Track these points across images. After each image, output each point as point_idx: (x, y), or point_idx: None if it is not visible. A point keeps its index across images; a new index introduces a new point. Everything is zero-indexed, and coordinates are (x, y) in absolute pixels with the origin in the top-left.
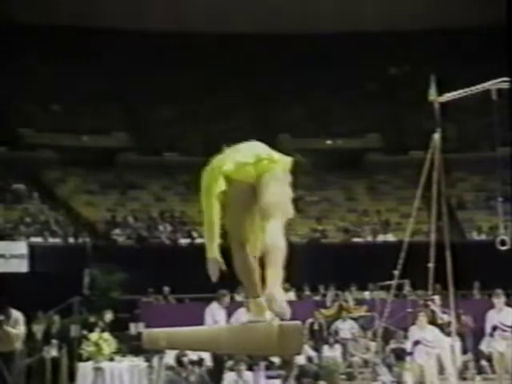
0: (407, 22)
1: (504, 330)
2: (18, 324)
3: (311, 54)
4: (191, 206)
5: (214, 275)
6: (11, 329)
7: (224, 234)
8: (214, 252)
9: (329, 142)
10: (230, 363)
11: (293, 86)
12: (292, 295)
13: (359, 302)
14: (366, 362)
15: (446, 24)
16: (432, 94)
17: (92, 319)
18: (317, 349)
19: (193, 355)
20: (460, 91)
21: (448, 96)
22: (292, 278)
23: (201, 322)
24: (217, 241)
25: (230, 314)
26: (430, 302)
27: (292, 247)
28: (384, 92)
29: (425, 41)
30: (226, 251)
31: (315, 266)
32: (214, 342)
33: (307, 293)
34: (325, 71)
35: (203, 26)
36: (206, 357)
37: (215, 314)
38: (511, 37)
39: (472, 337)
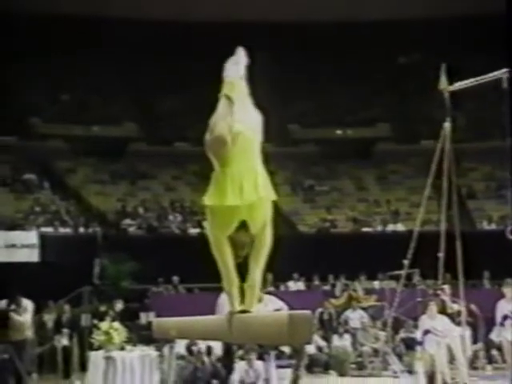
0: (416, 10)
1: None
2: (25, 312)
3: (319, 43)
4: (201, 196)
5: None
6: (18, 317)
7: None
8: (235, 308)
9: (338, 131)
10: (240, 352)
11: (302, 75)
12: (301, 285)
13: (369, 292)
14: (375, 352)
15: (456, 12)
16: (442, 82)
17: (102, 308)
18: (327, 338)
19: (202, 345)
20: (471, 80)
21: (458, 85)
22: (301, 268)
23: (211, 312)
24: (237, 293)
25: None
26: (439, 292)
27: (301, 237)
28: (394, 81)
29: (435, 29)
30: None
31: (325, 256)
32: (224, 331)
33: (316, 283)
34: (334, 61)
35: (214, 13)
36: (217, 346)
37: (226, 303)
38: (511, 28)
39: (483, 326)
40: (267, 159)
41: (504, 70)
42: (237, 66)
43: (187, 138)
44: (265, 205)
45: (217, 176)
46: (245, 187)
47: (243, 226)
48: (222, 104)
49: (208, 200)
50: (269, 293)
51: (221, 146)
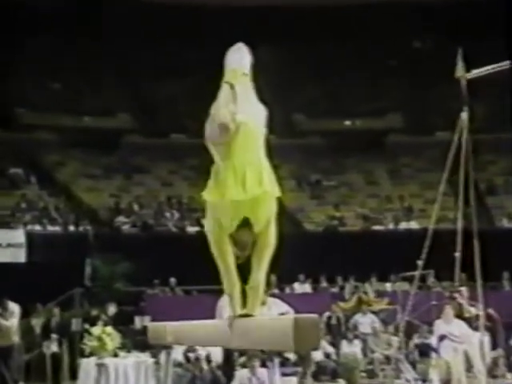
0: None
1: None
2: (12, 317)
3: (327, 27)
4: (200, 191)
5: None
6: (4, 321)
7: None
8: (236, 312)
9: (347, 122)
10: (242, 359)
11: (307, 61)
12: (308, 287)
13: (380, 295)
14: (387, 359)
15: None
16: (459, 69)
17: (94, 312)
18: (335, 344)
19: (202, 351)
20: (489, 67)
21: (476, 72)
22: (307, 269)
23: (210, 316)
24: (238, 295)
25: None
26: (456, 294)
27: (308, 236)
28: (407, 68)
29: (451, 12)
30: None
31: (332, 256)
32: (225, 336)
33: (324, 285)
34: (342, 45)
35: None
36: (217, 353)
37: (226, 307)
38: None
39: (502, 331)
40: (270, 152)
41: None
42: (239, 55)
43: (185, 129)
44: (269, 201)
45: (217, 169)
46: (248, 181)
47: (246, 223)
48: (223, 91)
49: (208, 195)
50: (273, 295)
51: (223, 134)
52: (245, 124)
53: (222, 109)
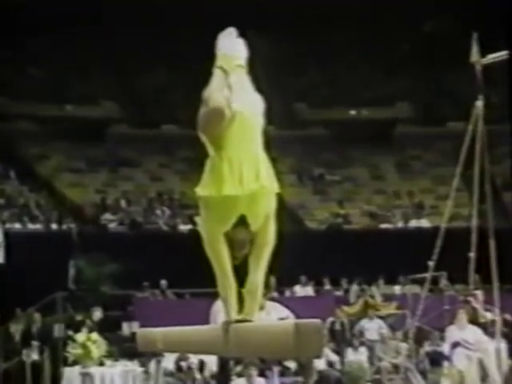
0: None
1: None
2: None
3: (329, 8)
4: (193, 186)
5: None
6: None
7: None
8: (232, 316)
9: (352, 111)
10: (238, 368)
11: (308, 45)
12: (310, 290)
13: (388, 298)
14: (396, 368)
15: None
16: (474, 54)
17: (78, 317)
18: (339, 352)
19: (195, 359)
20: (507, 51)
21: (492, 57)
22: (310, 270)
23: (204, 321)
24: (234, 299)
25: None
26: (470, 298)
27: (310, 234)
28: (416, 53)
29: None
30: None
31: (336, 257)
32: (220, 343)
33: (327, 287)
34: (346, 29)
35: None
36: (211, 361)
37: (221, 311)
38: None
39: None
40: (269, 144)
41: None
42: (230, 40)
43: (177, 119)
44: (268, 197)
45: (212, 162)
46: (245, 174)
47: (242, 221)
48: (216, 77)
49: (202, 190)
50: (272, 299)
51: (218, 120)
52: (240, 113)
53: (215, 93)
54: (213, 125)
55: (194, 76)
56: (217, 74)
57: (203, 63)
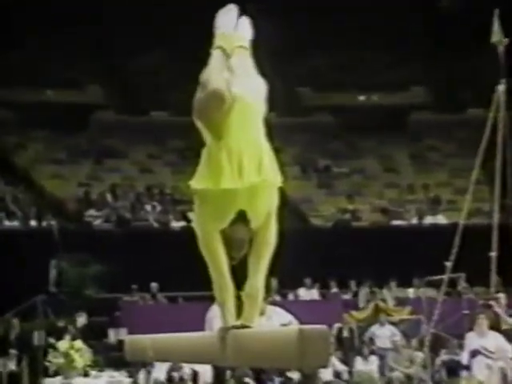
0: None
1: None
2: None
3: None
4: (186, 179)
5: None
6: None
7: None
8: (229, 322)
9: (362, 97)
10: (235, 378)
11: (313, 25)
12: (315, 293)
13: (401, 302)
14: (409, 378)
15: None
16: (495, 34)
17: (60, 323)
18: (347, 361)
19: (187, 369)
20: None
21: None
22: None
23: (199, 327)
24: (232, 303)
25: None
26: (492, 302)
27: (315, 232)
28: (432, 32)
29: None
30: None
31: (344, 256)
32: (216, 351)
33: (334, 290)
34: (355, 6)
35: None
36: (205, 371)
37: (218, 317)
38: None
39: None
40: (270, 133)
41: None
42: (230, 18)
43: (167, 105)
44: (270, 191)
45: (209, 152)
46: (245, 166)
47: (241, 218)
48: (215, 58)
49: (197, 183)
50: (273, 303)
51: (217, 104)
52: (241, 99)
53: (214, 75)
54: (211, 110)
55: (188, 57)
56: (216, 54)
57: (198, 43)
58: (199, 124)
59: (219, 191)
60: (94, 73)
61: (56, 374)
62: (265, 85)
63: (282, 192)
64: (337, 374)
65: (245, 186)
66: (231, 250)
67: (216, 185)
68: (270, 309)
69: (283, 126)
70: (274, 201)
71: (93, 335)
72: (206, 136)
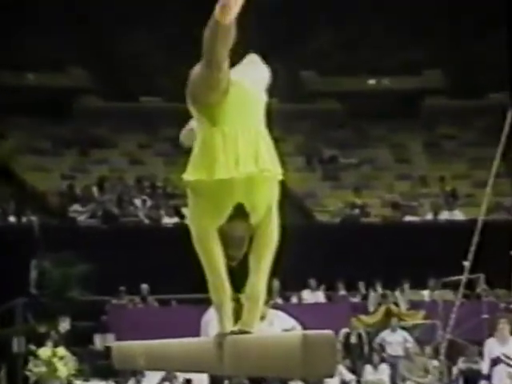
0: None
1: None
2: None
3: None
4: (180, 172)
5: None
6: None
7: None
8: (227, 327)
9: (371, 81)
10: None
11: (319, 2)
12: (320, 296)
13: (415, 306)
14: None
15: None
16: None
17: (42, 329)
18: (355, 370)
19: (181, 378)
20: None
21: None
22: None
23: (193, 333)
24: (230, 307)
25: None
26: None
27: (320, 229)
28: (448, 10)
29: None
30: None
31: (352, 256)
32: (213, 359)
33: (342, 292)
34: None
35: None
36: (201, 380)
37: (214, 321)
38: None
39: None
40: (271, 121)
41: None
42: None
43: (159, 89)
44: (270, 183)
45: (202, 139)
46: (241, 154)
47: (240, 213)
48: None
49: (190, 174)
50: (275, 307)
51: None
52: (239, 84)
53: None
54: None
55: (181, 38)
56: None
57: (192, 21)
58: (193, 109)
59: (214, 182)
60: (78, 54)
61: (37, 383)
62: (268, 72)
63: (284, 185)
64: None
65: (241, 177)
66: (230, 248)
67: (210, 175)
68: (272, 313)
69: (285, 113)
70: (274, 194)
71: (77, 341)
72: (200, 121)
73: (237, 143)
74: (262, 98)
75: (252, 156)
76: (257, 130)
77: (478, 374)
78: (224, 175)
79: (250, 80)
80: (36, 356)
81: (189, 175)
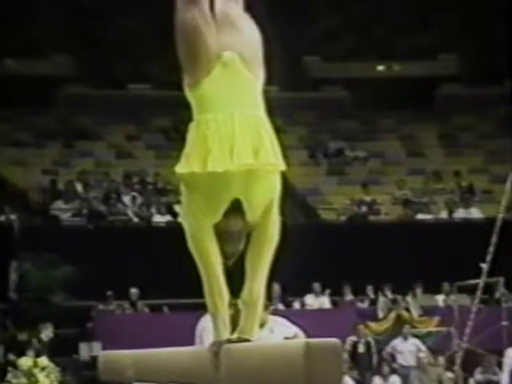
0: None
1: None
2: None
3: None
4: (172, 165)
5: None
6: None
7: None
8: (223, 335)
9: (380, 67)
10: None
11: None
12: (325, 301)
13: (428, 312)
14: None
15: None
16: None
17: (22, 337)
18: (363, 382)
19: None
20: None
21: None
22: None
23: (187, 341)
24: (226, 313)
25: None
26: None
27: (325, 228)
28: None
29: None
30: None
31: (361, 257)
32: (208, 369)
33: (349, 297)
34: None
35: None
36: None
37: (209, 329)
38: None
39: None
40: (271, 110)
41: None
42: None
43: (148, 76)
44: (269, 177)
45: (196, 128)
46: (237, 144)
47: (237, 209)
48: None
49: (183, 166)
50: (276, 313)
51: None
52: (232, 63)
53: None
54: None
55: (172, 20)
56: None
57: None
58: (187, 89)
59: (208, 176)
60: (62, 40)
61: None
62: (259, 35)
63: (286, 180)
64: None
65: (238, 170)
66: (225, 244)
67: (203, 167)
68: (272, 319)
69: (287, 102)
70: (274, 189)
71: (61, 351)
72: (194, 108)
73: (233, 131)
74: (261, 76)
75: (250, 147)
76: (255, 115)
77: None
78: (218, 168)
79: (247, 56)
80: (16, 366)
81: (181, 168)
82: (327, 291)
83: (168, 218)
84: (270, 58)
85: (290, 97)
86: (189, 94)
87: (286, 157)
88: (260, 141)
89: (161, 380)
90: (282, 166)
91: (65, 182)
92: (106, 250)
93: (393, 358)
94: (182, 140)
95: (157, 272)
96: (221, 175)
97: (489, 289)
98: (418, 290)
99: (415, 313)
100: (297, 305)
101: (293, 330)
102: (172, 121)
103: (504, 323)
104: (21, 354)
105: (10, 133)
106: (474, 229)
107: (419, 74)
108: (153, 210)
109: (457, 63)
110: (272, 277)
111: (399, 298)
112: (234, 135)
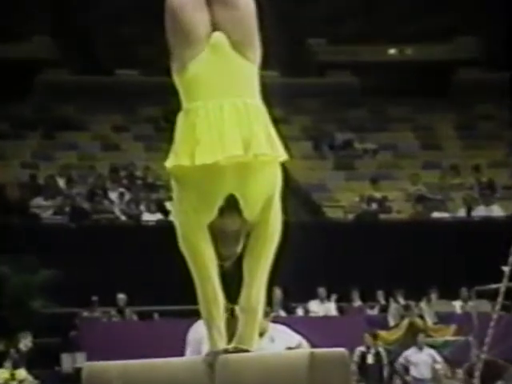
0: None
1: None
2: None
3: None
4: (163, 159)
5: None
6: None
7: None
8: (219, 345)
9: (392, 51)
10: None
11: None
12: (331, 307)
13: (444, 319)
14: None
15: None
16: None
17: None
18: None
19: None
20: None
21: None
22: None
23: (179, 351)
24: (222, 318)
25: (230, 339)
26: None
27: (331, 227)
28: None
29: None
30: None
31: (370, 259)
32: (203, 381)
33: (357, 303)
34: None
35: None
36: None
37: (202, 337)
38: None
39: None
40: (269, 99)
41: None
42: None
43: (137, 61)
44: (267, 169)
45: (184, 117)
46: (228, 134)
47: (233, 206)
48: None
49: (172, 160)
50: (277, 320)
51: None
52: (222, 44)
53: None
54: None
55: (161, 1)
56: None
57: None
58: (176, 75)
59: (198, 169)
60: (42, 22)
61: None
62: (255, 11)
63: (288, 174)
64: None
65: (229, 162)
66: (222, 246)
67: (191, 160)
68: (273, 327)
69: (289, 89)
70: (273, 184)
71: (41, 362)
72: (183, 97)
73: (223, 121)
74: (257, 57)
75: (241, 137)
76: (248, 103)
77: None
78: (207, 160)
79: (240, 36)
80: None
81: (171, 161)
82: (333, 297)
83: (158, 216)
84: (269, 39)
85: (293, 83)
86: (176, 79)
87: (288, 149)
88: (251, 131)
89: None
90: (281, 157)
91: (45, 177)
92: (90, 251)
93: (406, 369)
94: (174, 131)
95: (146, 276)
96: (211, 168)
97: (510, 294)
98: (433, 296)
99: (430, 320)
100: (300, 311)
101: (296, 339)
102: (162, 110)
103: None
104: None
105: None
106: (494, 228)
107: (434, 58)
108: (142, 207)
109: (475, 46)
110: (273, 281)
111: (412, 304)
112: (224, 125)
